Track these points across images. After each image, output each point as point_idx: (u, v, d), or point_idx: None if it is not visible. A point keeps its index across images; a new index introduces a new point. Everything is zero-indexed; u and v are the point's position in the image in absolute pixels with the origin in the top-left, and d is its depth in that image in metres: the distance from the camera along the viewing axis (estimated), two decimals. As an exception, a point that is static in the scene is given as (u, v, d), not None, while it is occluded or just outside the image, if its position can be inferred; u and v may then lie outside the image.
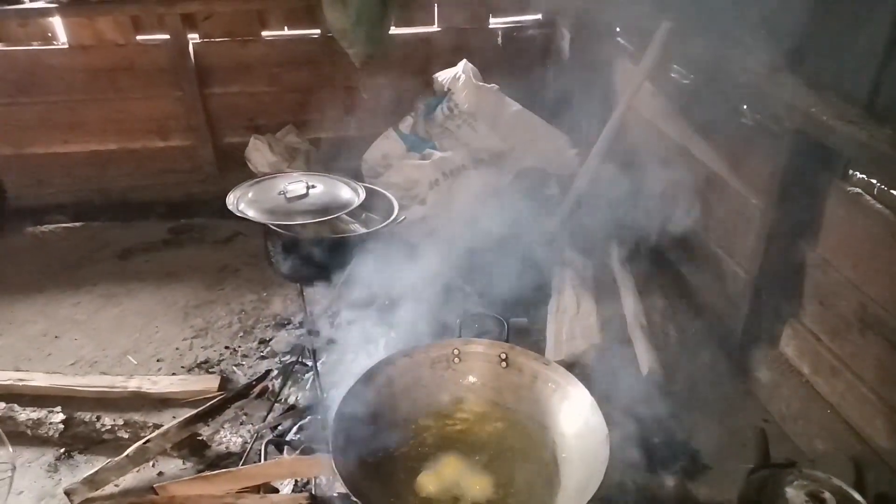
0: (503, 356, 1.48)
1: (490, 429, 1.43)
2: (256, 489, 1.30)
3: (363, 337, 2.01)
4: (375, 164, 3.01)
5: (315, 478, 1.41)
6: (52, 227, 2.93)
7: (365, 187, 2.40)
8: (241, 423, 1.92)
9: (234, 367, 2.17)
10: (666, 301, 2.35)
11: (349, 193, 2.33)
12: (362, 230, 2.27)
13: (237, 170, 2.97)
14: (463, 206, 2.65)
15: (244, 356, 2.23)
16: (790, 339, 1.90)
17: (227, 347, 2.27)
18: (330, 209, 2.21)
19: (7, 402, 1.91)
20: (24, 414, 1.87)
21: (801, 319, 1.85)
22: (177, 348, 2.26)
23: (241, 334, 2.33)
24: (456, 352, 1.51)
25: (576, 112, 2.86)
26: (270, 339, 2.27)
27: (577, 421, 1.33)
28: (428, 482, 1.27)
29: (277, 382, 2.04)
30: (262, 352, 2.23)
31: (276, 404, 1.95)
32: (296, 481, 1.49)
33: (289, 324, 2.33)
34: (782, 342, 1.93)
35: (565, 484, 1.26)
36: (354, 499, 1.14)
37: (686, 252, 2.39)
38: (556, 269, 2.48)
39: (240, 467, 1.41)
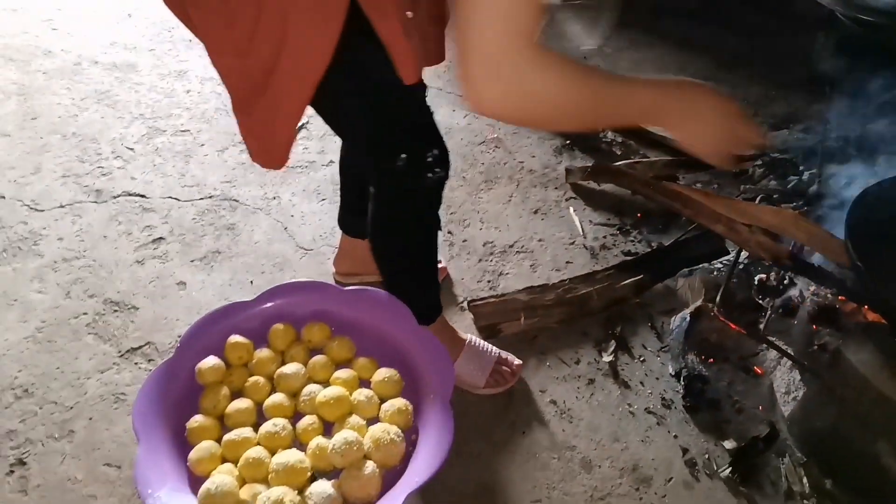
0: None
1: None
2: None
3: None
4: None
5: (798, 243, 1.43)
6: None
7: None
8: (713, 190, 2.03)
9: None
10: None
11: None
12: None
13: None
14: None
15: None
16: None
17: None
18: (913, 18, 1.94)
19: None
20: (553, 102, 2.27)
21: None
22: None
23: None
24: None
25: None
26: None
27: None
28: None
29: (759, 172, 2.05)
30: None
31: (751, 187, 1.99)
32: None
33: (791, 127, 2.25)
34: None
35: None
36: (863, 280, 1.14)
37: None
38: None
39: (740, 199, 1.52)
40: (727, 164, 0.92)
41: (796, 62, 2.29)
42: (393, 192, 1.20)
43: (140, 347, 1.54)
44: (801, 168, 1.98)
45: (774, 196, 1.87)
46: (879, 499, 1.26)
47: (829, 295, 1.34)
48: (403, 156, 1.09)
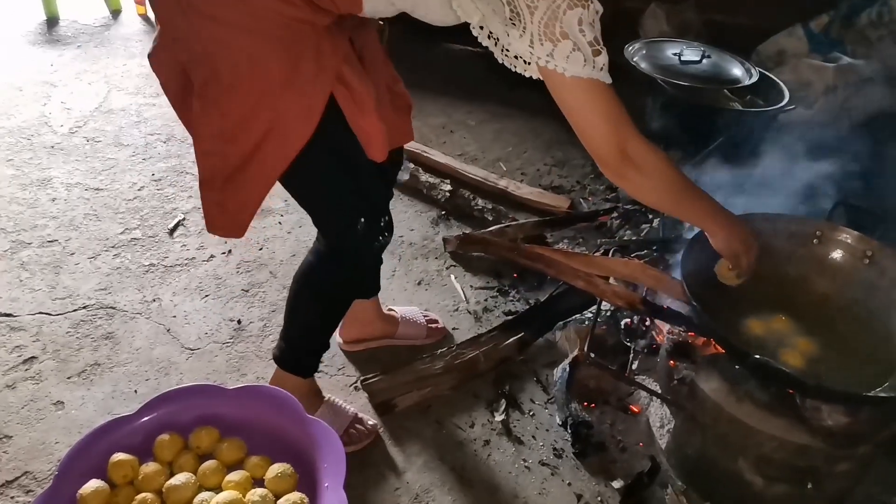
0: (868, 253, 1.46)
1: (829, 313, 1.45)
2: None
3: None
4: (768, 57, 2.88)
5: (649, 289, 1.58)
6: (461, 47, 3.43)
7: (759, 71, 2.36)
8: (578, 244, 2.20)
9: (581, 200, 2.44)
10: None
11: (740, 71, 2.32)
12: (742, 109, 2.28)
13: (625, 35, 3.07)
14: (856, 121, 2.44)
15: (591, 194, 2.48)
16: None
17: (578, 182, 2.54)
18: (719, 80, 2.25)
19: (414, 165, 2.46)
20: (424, 177, 2.40)
21: None
22: (538, 169, 2.61)
23: (592, 176, 2.57)
24: (819, 233, 1.52)
25: None
26: (618, 188, 2.47)
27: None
28: (757, 327, 1.38)
29: (616, 223, 2.25)
30: (607, 195, 2.46)
31: (609, 239, 2.18)
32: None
33: (638, 180, 2.50)
34: None
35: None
36: (698, 315, 1.30)
37: None
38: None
39: (593, 255, 1.66)
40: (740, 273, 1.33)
41: (638, 122, 2.56)
42: (350, 251, 1.34)
43: (16, 479, 1.44)
44: (650, 217, 2.20)
45: (630, 246, 2.06)
46: (748, 512, 1.39)
47: (681, 332, 1.49)
48: (363, 220, 1.27)
